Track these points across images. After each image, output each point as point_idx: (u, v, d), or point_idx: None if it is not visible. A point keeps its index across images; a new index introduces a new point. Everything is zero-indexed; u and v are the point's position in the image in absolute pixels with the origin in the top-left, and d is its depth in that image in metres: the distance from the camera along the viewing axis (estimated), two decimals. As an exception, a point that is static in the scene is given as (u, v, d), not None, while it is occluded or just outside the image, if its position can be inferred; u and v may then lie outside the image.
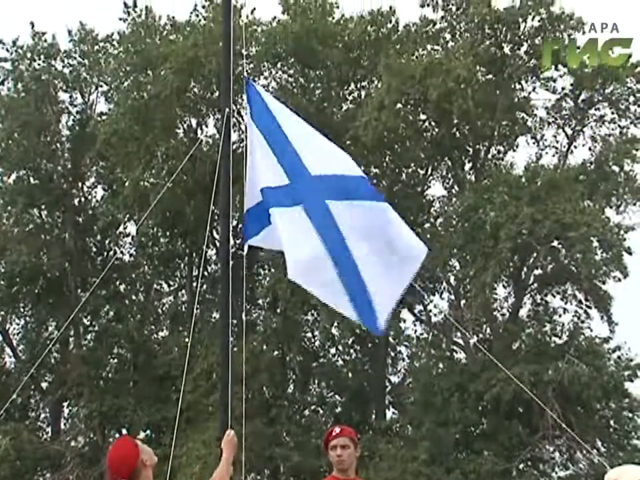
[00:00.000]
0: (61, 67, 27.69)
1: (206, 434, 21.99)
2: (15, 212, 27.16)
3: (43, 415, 28.87)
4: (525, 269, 24.81)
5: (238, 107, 18.04)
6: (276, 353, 26.22)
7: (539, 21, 23.66)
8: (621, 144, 24.44)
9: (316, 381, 27.85)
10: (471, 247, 23.35)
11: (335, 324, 24.43)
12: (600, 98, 24.93)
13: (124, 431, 26.30)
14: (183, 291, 29.23)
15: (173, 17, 26.72)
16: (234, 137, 22.13)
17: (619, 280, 22.84)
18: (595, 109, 25.32)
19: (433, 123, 25.51)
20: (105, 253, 29.17)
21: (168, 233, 28.25)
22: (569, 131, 25.82)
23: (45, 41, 27.28)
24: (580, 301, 24.64)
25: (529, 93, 25.55)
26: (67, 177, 28.00)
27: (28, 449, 25.03)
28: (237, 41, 7.68)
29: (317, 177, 6.30)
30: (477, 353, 24.16)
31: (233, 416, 6.29)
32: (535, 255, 23.60)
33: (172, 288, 29.75)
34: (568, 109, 25.48)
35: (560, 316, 24.97)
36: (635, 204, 24.44)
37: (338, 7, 26.91)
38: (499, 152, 26.71)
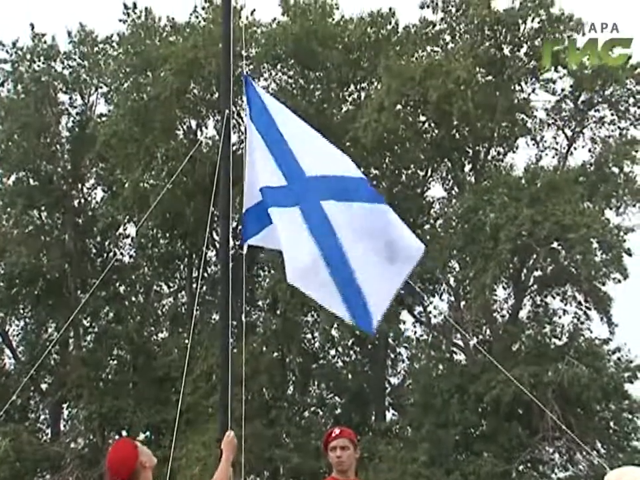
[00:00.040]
0: (60, 69, 27.73)
1: (206, 435, 21.98)
2: (14, 213, 27.16)
3: (42, 417, 28.89)
4: (525, 271, 24.82)
5: (238, 108, 18.03)
6: (276, 354, 26.22)
7: (538, 23, 23.67)
8: (620, 145, 24.45)
9: (316, 383, 27.84)
10: (470, 249, 23.34)
11: (335, 325, 24.40)
12: (600, 99, 24.94)
13: (124, 433, 26.30)
14: (183, 293, 29.25)
15: (173, 19, 26.79)
16: (234, 138, 22.02)
17: (619, 281, 22.85)
18: (595, 111, 25.33)
19: (432, 125, 25.51)
20: (105, 254, 29.19)
21: (168, 235, 28.26)
22: (569, 133, 25.84)
23: (45, 42, 27.31)
24: (580, 303, 24.65)
25: (529, 95, 25.58)
26: (67, 178, 28.01)
27: (27, 450, 25.02)
28: (237, 42, 7.68)
29: (312, 178, 6.32)
30: (476, 354, 24.14)
31: (232, 417, 6.29)
32: (534, 256, 23.60)
33: (172, 289, 29.76)
34: (568, 110, 25.50)
35: (560, 317, 25.01)
36: (634, 205, 24.46)
37: (338, 9, 26.98)
38: (498, 153, 26.73)
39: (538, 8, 23.42)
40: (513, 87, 25.10)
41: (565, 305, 24.91)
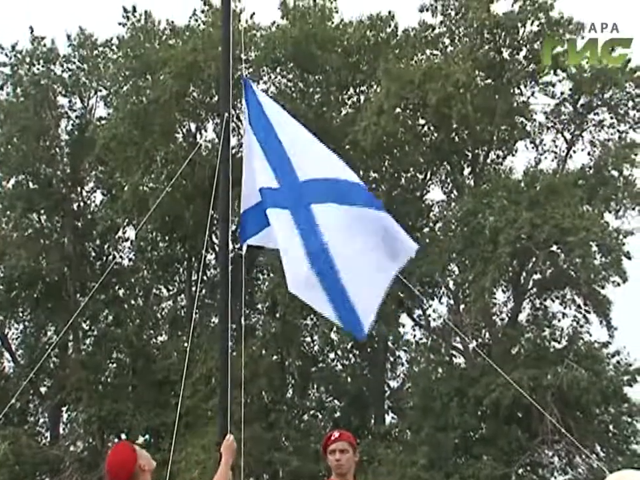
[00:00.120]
0: (60, 72, 27.72)
1: (205, 439, 21.97)
2: (14, 216, 27.15)
3: (41, 420, 28.89)
4: (524, 274, 24.81)
5: (237, 111, 18.02)
6: (275, 357, 26.21)
7: (537, 26, 23.67)
8: (619, 149, 24.44)
9: (315, 386, 27.84)
10: (470, 252, 23.34)
11: (334, 329, 24.42)
12: (599, 103, 24.93)
13: (123, 436, 26.28)
14: (182, 296, 29.24)
15: (172, 22, 26.78)
16: (233, 141, 22.03)
17: (618, 284, 22.83)
18: (594, 114, 25.32)
19: (432, 128, 25.52)
20: (104, 258, 29.17)
21: (167, 238, 28.26)
22: (568, 136, 25.82)
23: (44, 45, 27.32)
24: (579, 306, 24.64)
25: (528, 98, 25.58)
26: (66, 181, 28.01)
27: (27, 453, 24.99)
28: (236, 45, 7.70)
29: (304, 183, 6.37)
30: (476, 357, 24.13)
31: (232, 420, 6.30)
32: (534, 259, 23.59)
33: (171, 292, 29.76)
34: (567, 113, 25.49)
35: (559, 321, 24.98)
36: (634, 209, 24.44)
37: (337, 12, 27.00)
38: (498, 157, 26.74)
39: (537, 11, 23.42)
40: (512, 90, 25.09)
41: (564, 308, 24.92)
